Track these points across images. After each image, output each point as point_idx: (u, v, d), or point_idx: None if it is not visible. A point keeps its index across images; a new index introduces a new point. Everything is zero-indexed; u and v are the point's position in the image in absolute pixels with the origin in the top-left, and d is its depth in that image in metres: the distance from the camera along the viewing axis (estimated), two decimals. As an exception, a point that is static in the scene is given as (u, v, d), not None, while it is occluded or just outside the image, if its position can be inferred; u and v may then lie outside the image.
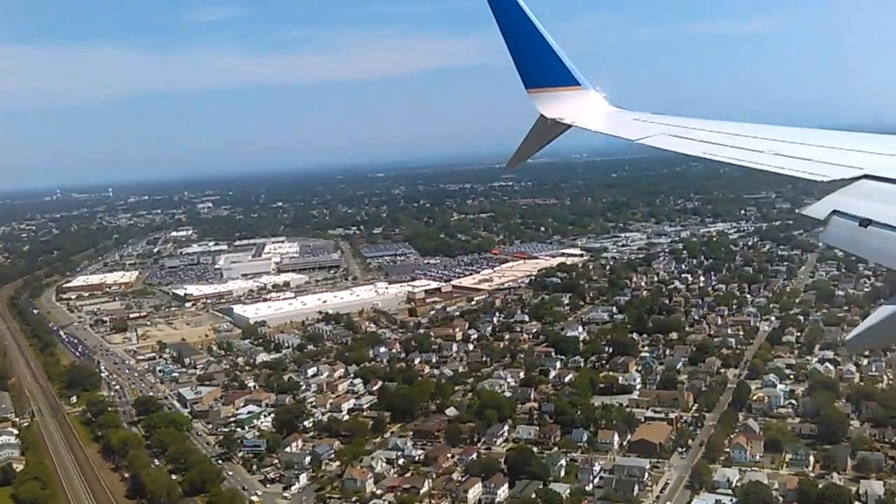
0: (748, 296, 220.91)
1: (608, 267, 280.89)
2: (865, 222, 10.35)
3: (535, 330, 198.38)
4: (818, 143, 15.47)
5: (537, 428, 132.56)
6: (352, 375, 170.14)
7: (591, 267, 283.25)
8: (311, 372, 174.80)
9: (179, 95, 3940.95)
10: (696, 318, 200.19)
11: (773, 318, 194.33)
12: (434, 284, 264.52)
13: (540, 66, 23.34)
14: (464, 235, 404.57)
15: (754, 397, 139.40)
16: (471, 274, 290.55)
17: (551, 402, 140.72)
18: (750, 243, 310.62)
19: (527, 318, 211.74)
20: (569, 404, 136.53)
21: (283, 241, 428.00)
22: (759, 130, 18.13)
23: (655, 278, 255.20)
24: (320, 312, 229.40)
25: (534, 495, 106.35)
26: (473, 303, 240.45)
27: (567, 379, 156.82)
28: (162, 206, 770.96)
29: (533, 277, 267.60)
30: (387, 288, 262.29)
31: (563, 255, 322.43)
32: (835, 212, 11.01)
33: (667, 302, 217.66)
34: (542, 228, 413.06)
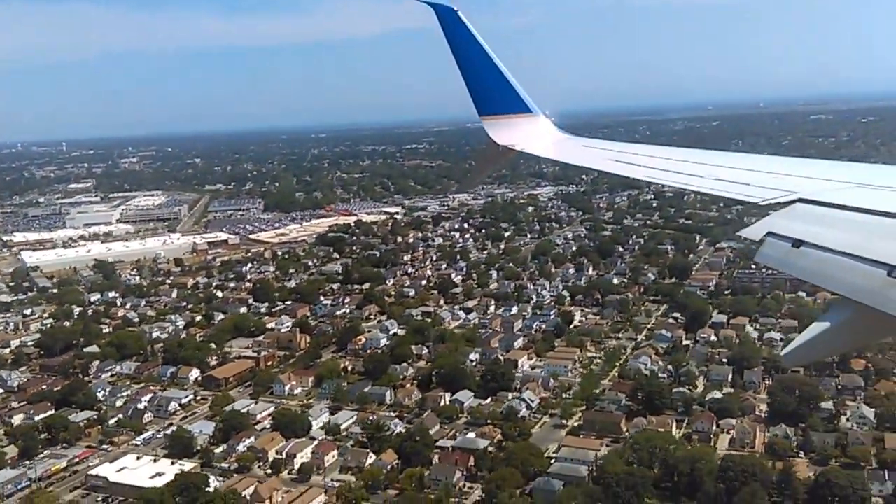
0: (480, 252, 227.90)
1: (401, 224, 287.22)
2: (798, 243, 10.20)
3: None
4: (755, 167, 15.27)
5: (140, 364, 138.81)
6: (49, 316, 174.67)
7: (384, 224, 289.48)
8: (27, 312, 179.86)
9: (151, 55, 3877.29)
10: (410, 270, 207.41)
11: (473, 272, 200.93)
12: (224, 236, 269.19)
13: (493, 95, 23.09)
14: (319, 193, 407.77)
15: (360, 339, 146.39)
16: (279, 227, 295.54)
17: (172, 341, 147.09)
18: (549, 205, 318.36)
19: (272, 269, 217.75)
20: (177, 345, 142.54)
21: (153, 195, 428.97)
22: (700, 156, 17.99)
23: (429, 235, 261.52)
24: (95, 260, 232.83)
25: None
26: (249, 254, 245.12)
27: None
28: (94, 160, 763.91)
29: (324, 233, 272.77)
30: (178, 239, 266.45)
31: (382, 212, 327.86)
32: (769, 233, 10.87)
33: (403, 256, 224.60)
34: (394, 188, 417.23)
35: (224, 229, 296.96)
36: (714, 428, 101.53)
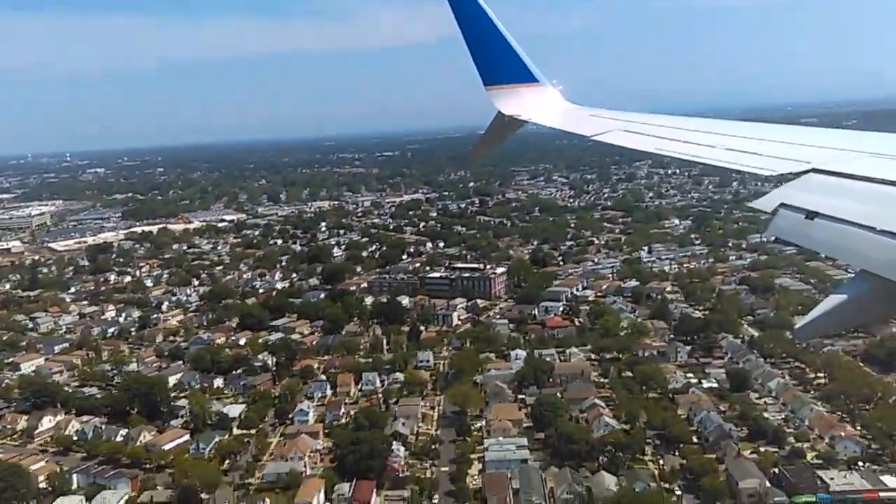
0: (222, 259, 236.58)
1: (199, 232, 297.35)
2: (811, 215, 10.23)
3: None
4: (768, 137, 15.51)
5: None
6: None
7: (196, 231, 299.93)
8: None
9: (190, 64, 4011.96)
10: (113, 278, 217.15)
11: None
12: (11, 245, 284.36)
13: (497, 63, 23.07)
14: (200, 202, 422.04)
15: None
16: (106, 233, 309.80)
17: None
18: (378, 213, 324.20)
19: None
20: None
21: (48, 204, 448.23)
22: (712, 125, 18.22)
23: (200, 244, 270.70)
24: None
25: None
26: (17, 263, 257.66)
27: None
28: (67, 171, 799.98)
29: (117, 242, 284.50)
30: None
31: (221, 220, 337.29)
32: (782, 204, 10.96)
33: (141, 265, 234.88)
34: (285, 194, 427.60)
35: (50, 237, 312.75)
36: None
